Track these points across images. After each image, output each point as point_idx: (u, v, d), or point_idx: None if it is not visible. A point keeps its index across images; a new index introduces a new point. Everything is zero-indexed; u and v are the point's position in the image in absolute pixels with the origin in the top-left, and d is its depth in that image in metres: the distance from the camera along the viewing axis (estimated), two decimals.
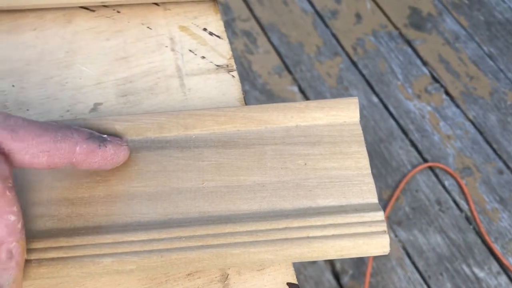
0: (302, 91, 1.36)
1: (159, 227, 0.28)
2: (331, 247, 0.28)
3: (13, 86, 0.33)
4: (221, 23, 0.38)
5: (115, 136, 0.30)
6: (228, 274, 0.29)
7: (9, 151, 0.24)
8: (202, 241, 0.28)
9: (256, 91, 1.35)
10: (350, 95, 1.35)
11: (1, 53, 0.35)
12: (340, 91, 1.35)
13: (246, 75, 1.38)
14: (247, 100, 1.34)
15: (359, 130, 0.32)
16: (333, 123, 0.32)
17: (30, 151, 0.25)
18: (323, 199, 0.30)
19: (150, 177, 0.30)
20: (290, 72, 1.39)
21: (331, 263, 1.15)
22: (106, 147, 0.28)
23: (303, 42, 1.44)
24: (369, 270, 1.13)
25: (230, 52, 0.36)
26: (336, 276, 1.14)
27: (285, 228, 0.28)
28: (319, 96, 1.35)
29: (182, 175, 0.30)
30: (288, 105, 0.32)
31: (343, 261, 1.15)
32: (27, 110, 0.32)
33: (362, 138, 0.31)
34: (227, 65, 0.36)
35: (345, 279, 1.13)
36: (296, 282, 0.29)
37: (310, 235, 0.28)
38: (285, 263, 0.29)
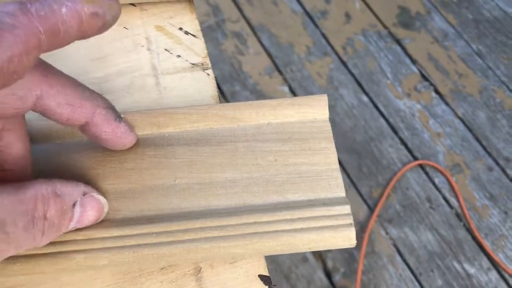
0: (292, 91, 1.37)
1: (131, 223, 0.29)
2: (299, 240, 0.28)
3: None
4: (197, 22, 0.38)
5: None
6: (201, 268, 0.30)
7: (39, 95, 0.25)
8: (173, 236, 0.28)
9: (247, 92, 1.36)
10: (340, 95, 1.36)
11: None
12: (330, 91, 1.36)
13: (237, 76, 1.39)
14: (238, 100, 1.35)
15: (328, 127, 0.32)
16: (303, 120, 0.33)
17: (57, 99, 0.25)
18: (292, 194, 0.30)
19: (123, 175, 0.31)
20: (280, 72, 1.40)
21: (322, 261, 1.16)
22: (120, 123, 0.28)
23: (293, 42, 1.45)
24: (360, 267, 1.13)
25: (206, 51, 0.37)
26: (328, 274, 1.15)
27: (255, 223, 0.29)
28: None
29: (155, 173, 0.31)
30: (260, 103, 0.33)
31: (334, 259, 1.16)
32: None
33: (331, 135, 0.32)
34: (202, 64, 0.37)
35: (336, 277, 1.14)
36: (268, 274, 0.30)
37: (279, 229, 0.29)
38: (256, 257, 0.30)
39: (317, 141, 0.32)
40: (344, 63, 1.41)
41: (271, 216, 0.29)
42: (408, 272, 1.15)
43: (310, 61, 1.42)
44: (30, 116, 0.34)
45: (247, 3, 1.50)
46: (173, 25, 0.38)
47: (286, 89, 1.37)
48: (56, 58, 0.36)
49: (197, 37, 0.38)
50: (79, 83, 0.27)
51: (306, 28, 1.47)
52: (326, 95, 0.33)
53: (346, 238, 0.28)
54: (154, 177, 0.31)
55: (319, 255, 1.16)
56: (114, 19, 0.25)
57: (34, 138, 0.31)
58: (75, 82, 0.27)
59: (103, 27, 0.25)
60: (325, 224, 0.29)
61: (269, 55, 1.43)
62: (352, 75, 1.39)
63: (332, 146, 0.32)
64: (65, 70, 0.35)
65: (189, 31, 0.38)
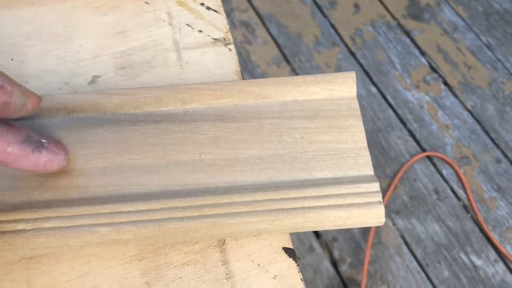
0: None
1: (156, 197, 0.28)
2: (326, 217, 0.28)
3: (12, 59, 0.33)
4: None
5: (58, 142, 0.29)
6: (225, 239, 0.30)
7: None
8: (199, 211, 0.28)
9: None
10: None
11: (1, 28, 0.35)
12: None
13: (245, 66, 1.38)
14: None
15: (356, 104, 0.32)
16: (330, 97, 0.32)
17: None
18: (319, 172, 0.30)
19: (147, 150, 0.30)
20: (288, 62, 1.39)
21: (329, 251, 1.16)
22: (40, 153, 0.27)
23: (301, 32, 1.44)
24: (367, 258, 1.13)
25: (227, 26, 0.37)
26: (334, 264, 1.14)
27: (282, 199, 0.28)
28: None
29: (179, 148, 0.30)
30: (285, 80, 0.32)
31: (341, 249, 1.16)
32: (26, 82, 0.33)
33: (359, 112, 0.32)
34: (224, 39, 0.36)
35: (343, 267, 1.14)
36: (292, 247, 0.29)
37: (306, 205, 0.28)
38: (281, 233, 0.30)
39: (344, 119, 0.31)
40: (352, 54, 1.40)
41: (298, 193, 0.29)
42: (415, 263, 1.15)
43: (318, 51, 1.41)
44: (53, 89, 0.33)
45: None
46: (194, 0, 0.38)
47: None
48: (77, 32, 0.36)
49: (219, 13, 0.37)
50: None
51: (314, 18, 1.46)
52: (354, 72, 0.32)
53: (375, 216, 0.28)
54: (179, 153, 0.30)
55: (326, 245, 1.16)
56: (22, 106, 0.25)
57: (58, 110, 0.31)
58: None
59: (5, 105, 0.24)
60: (353, 202, 0.28)
61: (277, 44, 1.42)
62: (361, 65, 1.39)
63: (360, 124, 0.31)
64: (86, 45, 0.35)
65: (211, 7, 0.37)
